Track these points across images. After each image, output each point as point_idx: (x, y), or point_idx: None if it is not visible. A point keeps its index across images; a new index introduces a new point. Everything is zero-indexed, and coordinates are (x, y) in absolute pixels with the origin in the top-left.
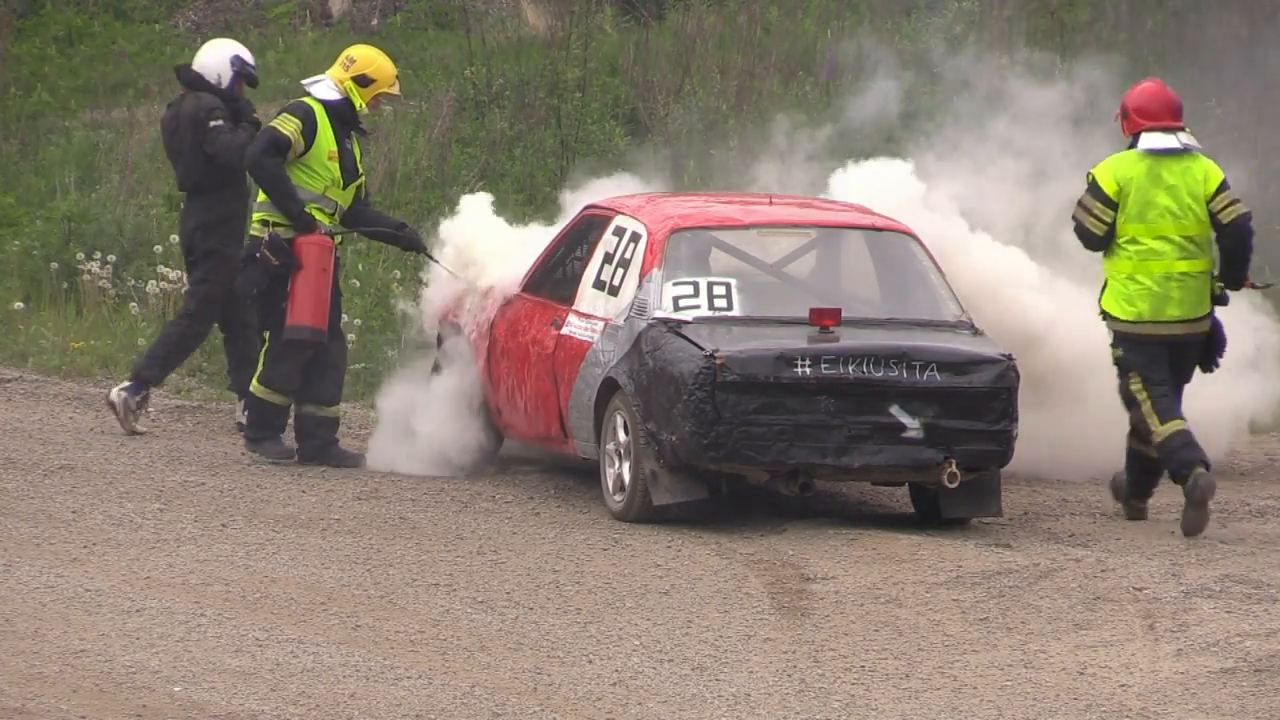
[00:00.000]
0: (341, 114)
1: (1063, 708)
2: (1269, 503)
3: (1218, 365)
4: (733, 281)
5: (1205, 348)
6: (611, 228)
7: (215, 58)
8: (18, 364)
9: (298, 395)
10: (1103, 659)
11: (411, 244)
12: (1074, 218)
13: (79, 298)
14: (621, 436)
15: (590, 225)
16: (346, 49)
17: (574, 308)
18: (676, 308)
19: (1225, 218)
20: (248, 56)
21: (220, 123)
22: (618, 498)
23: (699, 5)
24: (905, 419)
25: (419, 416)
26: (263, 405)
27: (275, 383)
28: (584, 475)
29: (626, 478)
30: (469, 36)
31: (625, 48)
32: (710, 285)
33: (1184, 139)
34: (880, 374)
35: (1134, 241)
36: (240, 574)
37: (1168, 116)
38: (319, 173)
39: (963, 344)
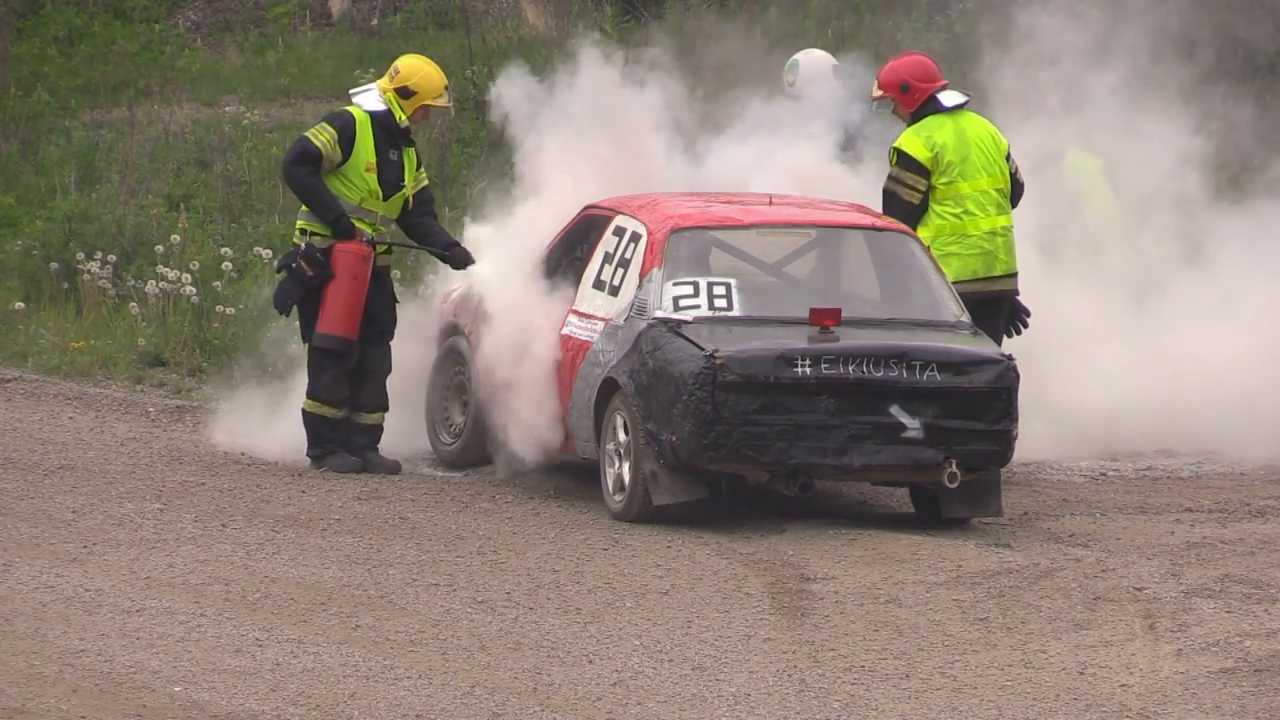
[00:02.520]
0: (386, 125)
1: (1063, 708)
2: (1269, 503)
3: (1026, 325)
4: (733, 281)
5: (1012, 308)
6: (611, 227)
7: (818, 72)
8: (18, 364)
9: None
10: (1103, 659)
11: (461, 263)
12: (886, 193)
13: (79, 298)
14: (621, 436)
15: (590, 225)
16: (398, 58)
17: (574, 308)
18: (676, 308)
19: (1020, 177)
20: (835, 61)
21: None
22: (618, 498)
23: (699, 5)
24: (905, 419)
25: None
26: (315, 420)
27: (321, 395)
28: (584, 475)
29: (626, 478)
30: (469, 36)
31: (625, 48)
32: (710, 285)
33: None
34: (880, 374)
35: (956, 202)
36: (240, 574)
37: (941, 77)
38: (355, 184)
39: (963, 344)
